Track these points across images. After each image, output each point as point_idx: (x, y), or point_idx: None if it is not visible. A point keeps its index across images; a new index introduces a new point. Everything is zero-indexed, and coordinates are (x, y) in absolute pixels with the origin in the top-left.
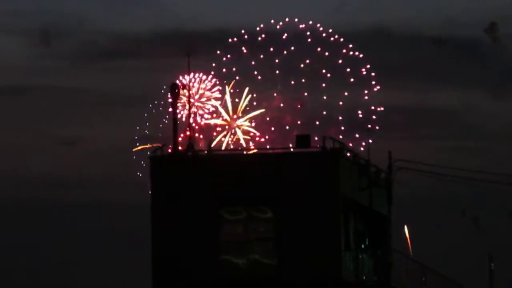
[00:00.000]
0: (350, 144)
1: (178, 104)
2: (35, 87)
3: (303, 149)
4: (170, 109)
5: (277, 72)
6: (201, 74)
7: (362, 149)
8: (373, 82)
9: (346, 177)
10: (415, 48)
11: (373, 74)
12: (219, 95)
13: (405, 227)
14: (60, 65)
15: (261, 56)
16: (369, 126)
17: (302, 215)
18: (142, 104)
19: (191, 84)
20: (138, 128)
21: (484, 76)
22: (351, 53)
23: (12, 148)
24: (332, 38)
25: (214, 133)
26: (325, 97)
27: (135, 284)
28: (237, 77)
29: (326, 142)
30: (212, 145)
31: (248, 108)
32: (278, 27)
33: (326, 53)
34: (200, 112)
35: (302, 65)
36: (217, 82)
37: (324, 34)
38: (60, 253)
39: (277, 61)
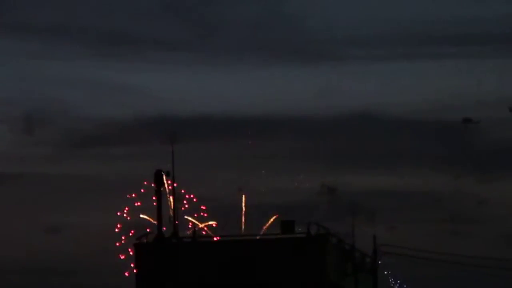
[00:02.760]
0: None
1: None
2: (18, 174)
3: (288, 234)
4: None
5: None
6: None
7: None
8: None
9: (332, 262)
10: (399, 132)
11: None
12: None
13: None
14: (44, 152)
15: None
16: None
17: None
18: (126, 190)
19: None
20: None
21: (470, 159)
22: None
23: None
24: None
25: None
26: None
27: None
28: None
29: (311, 227)
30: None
31: None
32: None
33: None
34: None
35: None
36: None
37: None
38: None
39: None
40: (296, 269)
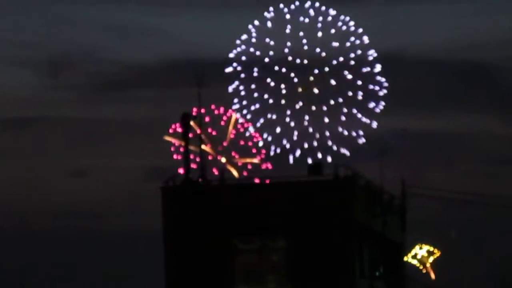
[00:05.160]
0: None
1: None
2: (44, 118)
3: (315, 177)
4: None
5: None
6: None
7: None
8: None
9: (360, 204)
10: (425, 73)
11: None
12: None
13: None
14: (69, 96)
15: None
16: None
17: (315, 243)
18: (152, 134)
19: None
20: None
21: (495, 100)
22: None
23: (23, 180)
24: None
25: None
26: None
27: None
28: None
29: (339, 170)
30: None
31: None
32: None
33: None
34: None
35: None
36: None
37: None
38: (72, 279)
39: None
40: (323, 212)
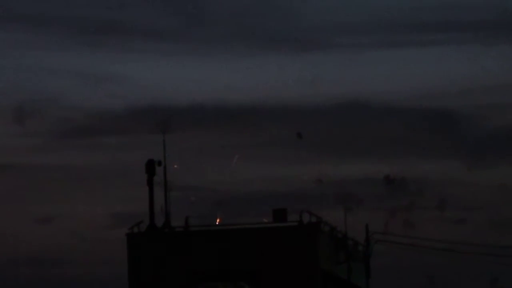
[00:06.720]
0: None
1: None
2: (9, 166)
3: (280, 223)
4: None
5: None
6: None
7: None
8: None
9: (324, 251)
10: (389, 120)
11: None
12: None
13: None
14: (34, 143)
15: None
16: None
17: None
18: (118, 181)
19: None
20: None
21: (459, 146)
22: None
23: None
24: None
25: None
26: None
27: None
28: None
29: (303, 215)
30: None
31: None
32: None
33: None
34: None
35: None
36: None
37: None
38: None
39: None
40: (288, 258)
